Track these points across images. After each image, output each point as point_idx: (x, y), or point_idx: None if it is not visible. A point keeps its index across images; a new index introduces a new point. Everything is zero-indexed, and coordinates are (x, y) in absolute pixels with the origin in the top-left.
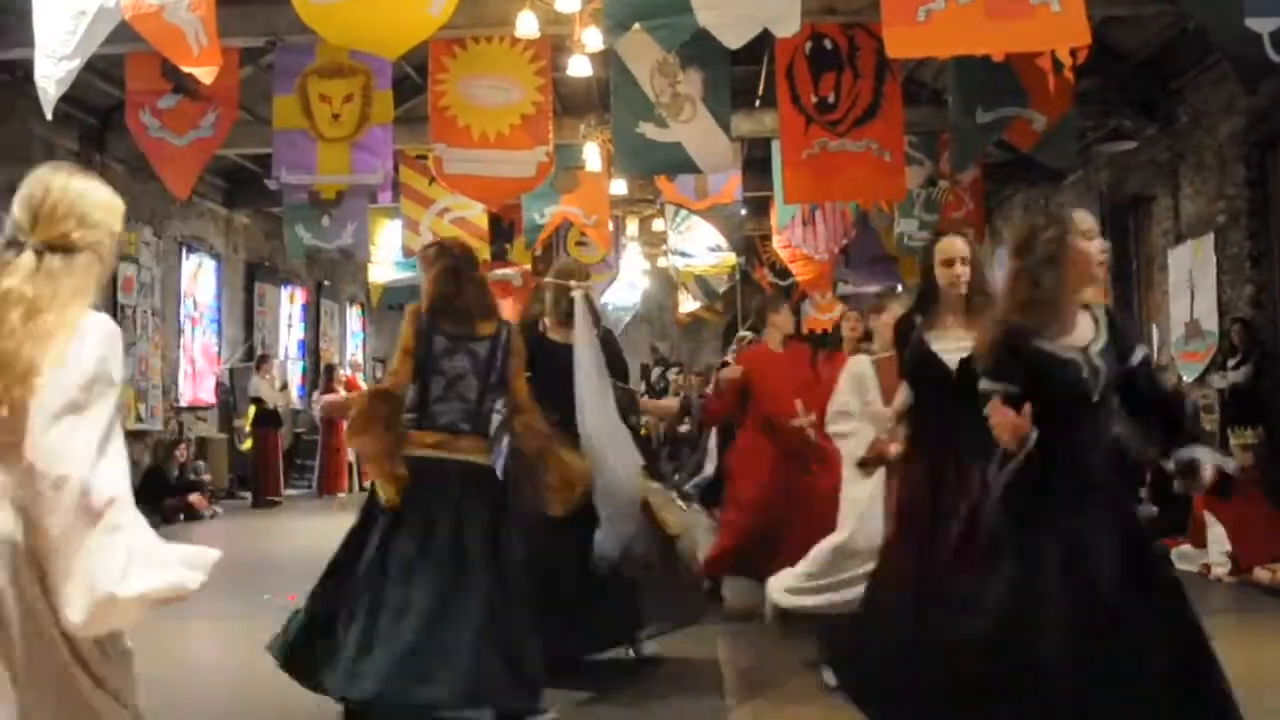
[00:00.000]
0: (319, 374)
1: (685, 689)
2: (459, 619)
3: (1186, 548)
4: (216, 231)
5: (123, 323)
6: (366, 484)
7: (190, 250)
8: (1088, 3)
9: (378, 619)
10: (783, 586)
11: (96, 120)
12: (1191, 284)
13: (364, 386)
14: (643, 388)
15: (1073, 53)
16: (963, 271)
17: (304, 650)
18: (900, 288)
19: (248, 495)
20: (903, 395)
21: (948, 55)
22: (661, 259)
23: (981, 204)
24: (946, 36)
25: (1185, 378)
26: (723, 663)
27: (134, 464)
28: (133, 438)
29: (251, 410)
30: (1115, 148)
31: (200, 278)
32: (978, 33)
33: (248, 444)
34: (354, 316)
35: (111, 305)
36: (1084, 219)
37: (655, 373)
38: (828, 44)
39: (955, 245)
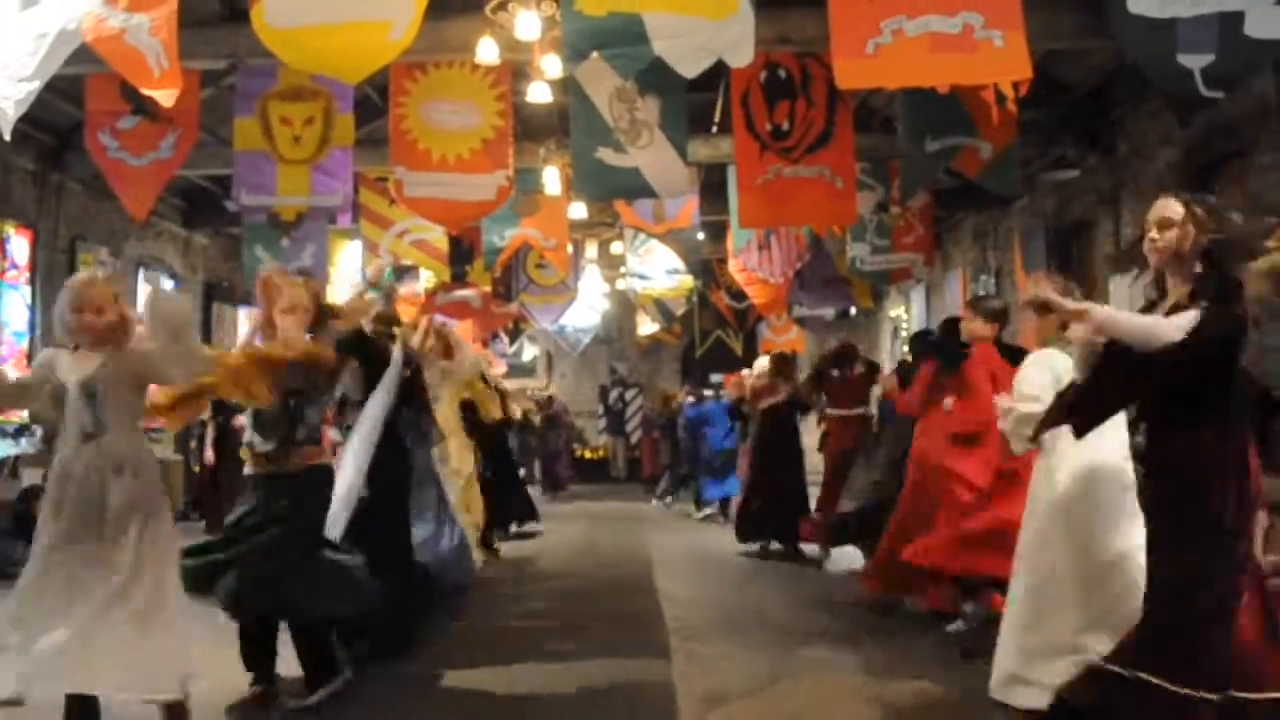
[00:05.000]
0: None
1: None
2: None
3: None
4: (175, 252)
5: None
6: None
7: (148, 270)
8: (1030, 37)
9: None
10: None
11: (54, 140)
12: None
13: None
14: (601, 409)
15: (1015, 85)
16: None
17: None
18: (853, 309)
19: (201, 519)
20: None
21: (895, 87)
22: (620, 281)
23: (932, 229)
24: (893, 69)
25: None
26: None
27: None
28: None
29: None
30: (1059, 176)
31: None
32: (923, 66)
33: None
34: None
35: None
36: None
37: (613, 394)
38: (782, 73)
39: None
